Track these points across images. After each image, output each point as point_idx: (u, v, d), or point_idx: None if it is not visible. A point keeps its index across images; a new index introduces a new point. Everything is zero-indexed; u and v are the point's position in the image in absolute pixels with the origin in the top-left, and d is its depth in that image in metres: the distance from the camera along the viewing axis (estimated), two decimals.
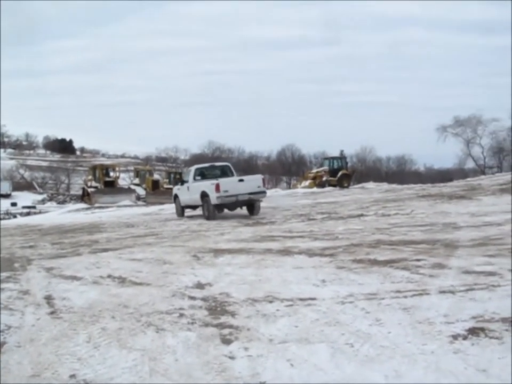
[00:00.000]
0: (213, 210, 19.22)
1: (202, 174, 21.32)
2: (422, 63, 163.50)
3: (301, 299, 6.16)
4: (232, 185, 19.33)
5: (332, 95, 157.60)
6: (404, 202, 18.75)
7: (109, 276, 8.29)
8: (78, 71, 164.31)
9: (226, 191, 18.95)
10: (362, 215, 15.75)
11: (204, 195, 19.40)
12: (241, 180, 19.76)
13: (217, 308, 6.05)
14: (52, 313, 6.26)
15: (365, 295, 6.17)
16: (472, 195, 19.01)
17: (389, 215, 15.17)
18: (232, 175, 21.33)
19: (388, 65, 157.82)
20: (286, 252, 9.59)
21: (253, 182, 19.68)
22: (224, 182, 19.55)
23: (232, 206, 19.77)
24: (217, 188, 19.09)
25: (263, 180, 20.02)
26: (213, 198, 18.98)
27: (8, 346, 5.16)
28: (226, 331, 5.18)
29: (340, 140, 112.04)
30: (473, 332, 4.71)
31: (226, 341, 4.91)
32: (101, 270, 8.93)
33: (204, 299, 6.48)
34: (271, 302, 6.15)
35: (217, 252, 10.01)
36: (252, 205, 19.82)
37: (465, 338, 4.58)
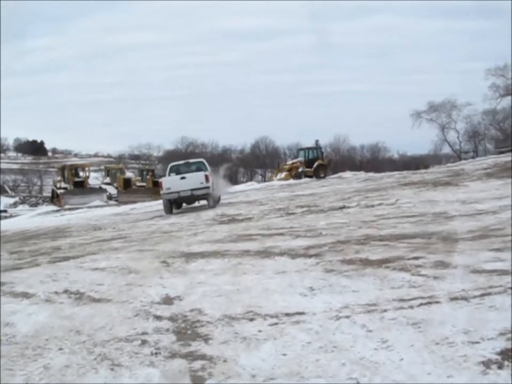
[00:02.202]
0: (165, 205, 20.96)
1: (177, 171, 21.91)
2: (392, 49, 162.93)
3: (287, 314, 5.16)
4: (175, 182, 20.73)
5: (304, 85, 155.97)
6: (387, 191, 17.87)
7: (65, 291, 7.20)
8: (45, 70, 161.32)
9: (168, 188, 20.60)
10: (344, 206, 14.83)
11: None
12: (183, 178, 20.89)
13: (187, 331, 5.01)
14: None
15: (362, 306, 5.18)
16: (457, 181, 18.18)
17: (372, 206, 14.29)
18: (207, 170, 21.80)
19: (359, 53, 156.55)
20: (265, 253, 8.58)
21: (195, 178, 20.75)
22: (166, 180, 21.30)
23: (187, 200, 21.72)
24: (160, 185, 21.12)
25: (206, 176, 20.81)
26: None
27: None
28: (197, 364, 4.16)
29: (314, 130, 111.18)
30: (507, 355, 3.73)
31: (197, 379, 3.90)
32: (58, 283, 7.82)
33: (171, 318, 5.44)
34: (251, 319, 5.13)
35: (189, 256, 8.96)
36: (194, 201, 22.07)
37: (500, 366, 3.60)
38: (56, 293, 7.17)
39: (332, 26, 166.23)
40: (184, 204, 22.73)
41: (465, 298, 5.07)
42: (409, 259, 7.07)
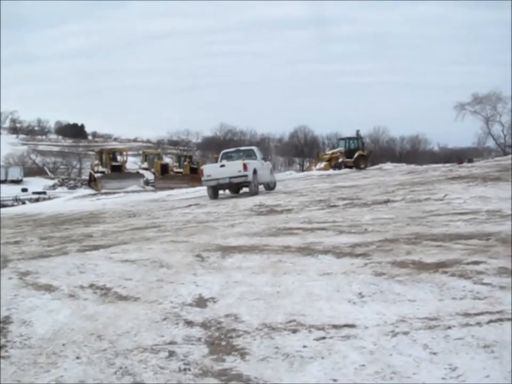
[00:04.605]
0: (209, 190, 21.74)
1: (228, 158, 23.00)
2: (435, 40, 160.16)
3: (335, 326, 4.52)
4: (215, 170, 21.60)
5: (344, 75, 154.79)
6: (433, 185, 17.03)
7: (91, 286, 6.65)
8: (84, 55, 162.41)
9: (209, 175, 21.31)
10: (389, 200, 14.11)
11: None
12: (222, 166, 21.67)
13: (222, 342, 4.40)
14: None
15: (422, 320, 4.51)
16: (508, 176, 17.22)
17: (419, 201, 13.54)
18: (256, 158, 22.72)
19: (401, 43, 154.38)
20: (307, 250, 7.91)
21: (234, 166, 21.26)
22: (207, 167, 22.78)
23: (229, 188, 22.44)
24: (201, 172, 22.08)
25: (244, 164, 21.14)
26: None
27: None
28: None
29: (353, 121, 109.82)
30: None
31: None
32: (84, 276, 7.28)
33: (204, 325, 4.84)
34: (294, 331, 4.50)
35: (226, 251, 8.35)
36: (238, 188, 22.63)
37: None
38: (81, 287, 6.62)
39: (374, 15, 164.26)
40: (227, 191, 23.32)
41: None
42: (468, 263, 6.35)
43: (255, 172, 21.46)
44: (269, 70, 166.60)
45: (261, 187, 22.74)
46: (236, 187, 22.49)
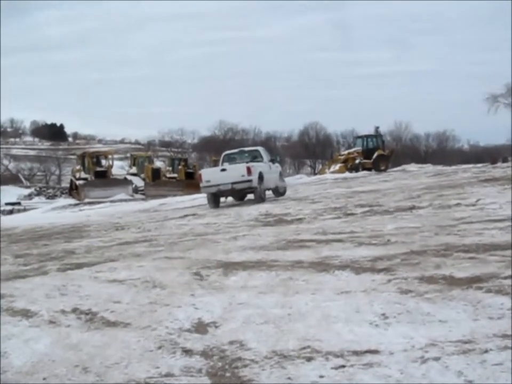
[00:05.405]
0: (209, 198, 21.76)
1: (231, 160, 23.23)
2: (462, 24, 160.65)
3: (356, 352, 4.53)
4: (215, 174, 21.75)
5: (361, 64, 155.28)
6: (464, 189, 17.17)
7: (74, 310, 6.68)
8: (62, 45, 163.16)
9: (208, 181, 21.34)
10: (414, 207, 14.25)
11: None
12: (223, 170, 21.80)
13: (226, 373, 4.40)
14: None
15: (455, 344, 4.52)
16: None
17: (449, 207, 13.69)
18: (262, 159, 22.98)
19: (427, 28, 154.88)
20: (322, 265, 7.96)
21: (236, 170, 21.37)
22: (206, 172, 22.86)
23: (232, 195, 22.54)
24: (199, 177, 22.32)
25: (248, 168, 21.21)
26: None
27: None
28: None
29: (371, 116, 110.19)
30: None
31: None
32: (66, 299, 7.30)
33: (205, 354, 4.85)
34: (309, 359, 4.51)
35: (228, 267, 8.40)
36: (243, 195, 22.82)
37: None
38: (63, 312, 6.64)
39: None
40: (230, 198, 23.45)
41: None
42: (505, 278, 6.37)
43: (261, 176, 21.54)
44: (274, 59, 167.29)
45: (270, 193, 22.90)
46: (239, 194, 22.58)
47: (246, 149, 25.39)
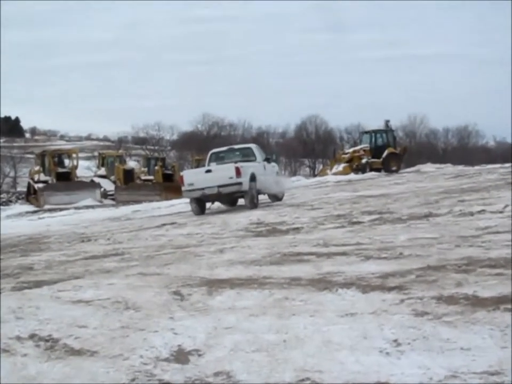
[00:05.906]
0: (192, 204, 22.06)
1: (220, 159, 23.61)
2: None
3: None
4: (198, 176, 21.97)
5: (367, 47, 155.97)
6: (489, 193, 17.34)
7: (32, 336, 6.71)
8: (15, 25, 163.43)
9: (191, 184, 21.60)
10: (431, 214, 14.33)
11: None
12: (208, 171, 22.08)
13: None
14: None
15: (479, 375, 4.56)
16: None
17: (471, 214, 13.78)
18: (255, 159, 23.40)
19: (445, 4, 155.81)
20: (323, 283, 8.03)
21: (223, 172, 21.68)
22: (188, 173, 23.75)
23: (219, 200, 22.76)
24: (180, 179, 22.87)
25: (237, 169, 21.45)
26: None
27: None
28: None
29: (380, 108, 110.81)
30: None
31: None
32: (22, 323, 7.32)
33: None
34: None
35: (213, 285, 8.46)
36: (233, 200, 23.12)
37: None
38: (18, 338, 6.67)
39: None
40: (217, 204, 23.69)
41: None
42: None
43: (253, 178, 21.68)
44: (266, 41, 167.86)
45: (263, 197, 23.11)
46: (228, 198, 22.73)
47: (237, 146, 25.77)
